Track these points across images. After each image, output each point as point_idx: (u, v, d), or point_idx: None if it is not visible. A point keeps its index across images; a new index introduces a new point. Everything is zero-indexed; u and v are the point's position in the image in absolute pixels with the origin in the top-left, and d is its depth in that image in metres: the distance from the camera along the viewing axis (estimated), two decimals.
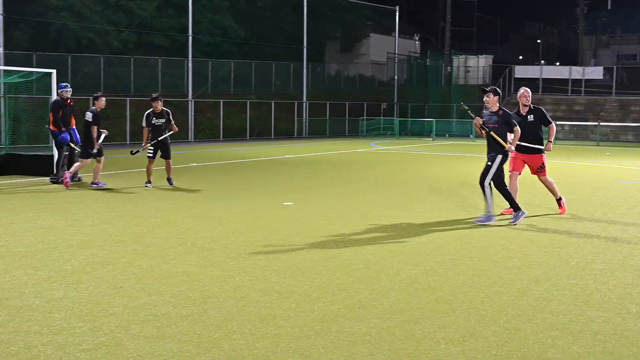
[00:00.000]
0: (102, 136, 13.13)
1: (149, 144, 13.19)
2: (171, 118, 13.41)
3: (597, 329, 4.96)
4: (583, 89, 43.54)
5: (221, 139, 33.85)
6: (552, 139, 10.40)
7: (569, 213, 10.31)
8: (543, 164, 10.14)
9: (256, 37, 39.40)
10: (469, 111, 10.10)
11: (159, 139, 13.15)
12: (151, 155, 13.17)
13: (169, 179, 13.35)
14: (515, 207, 9.44)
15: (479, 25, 68.07)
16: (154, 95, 13.52)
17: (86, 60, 32.72)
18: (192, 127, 32.83)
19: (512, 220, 9.38)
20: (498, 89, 9.60)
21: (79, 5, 34.03)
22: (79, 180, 13.73)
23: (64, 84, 13.86)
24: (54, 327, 4.81)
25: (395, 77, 46.91)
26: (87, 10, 34.35)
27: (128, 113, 29.38)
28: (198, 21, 35.86)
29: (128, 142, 28.81)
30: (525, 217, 9.49)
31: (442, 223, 9.38)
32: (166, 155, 13.31)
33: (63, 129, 13.41)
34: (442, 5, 60.47)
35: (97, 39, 34.58)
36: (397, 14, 46.26)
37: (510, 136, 9.39)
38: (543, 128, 10.37)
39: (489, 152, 9.42)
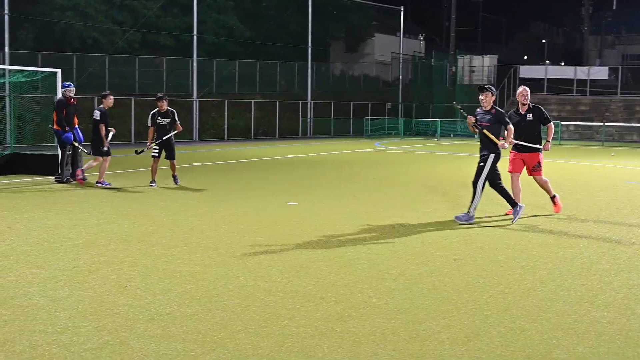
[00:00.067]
0: (110, 134, 13.20)
1: (154, 144, 13.24)
2: (176, 118, 13.47)
3: (602, 329, 4.95)
4: (588, 89, 43.45)
5: (226, 138, 33.89)
6: (550, 139, 10.37)
7: (573, 213, 10.30)
8: (539, 162, 10.11)
9: (261, 37, 39.40)
10: (462, 110, 10.24)
11: (164, 138, 13.21)
12: (156, 154, 13.22)
13: (174, 176, 13.43)
14: (512, 203, 9.52)
15: (483, 25, 68.05)
16: (159, 94, 13.55)
17: (91, 60, 32.76)
18: (197, 126, 32.88)
19: (512, 220, 9.43)
20: (494, 89, 9.65)
21: (84, 5, 34.08)
22: (84, 180, 13.75)
23: (67, 82, 13.88)
24: (59, 326, 4.82)
25: (400, 77, 46.89)
26: (92, 9, 34.41)
27: (133, 113, 29.45)
28: (203, 21, 35.91)
29: (133, 141, 28.88)
30: (522, 210, 9.56)
31: (446, 223, 9.37)
32: (171, 156, 13.36)
33: (67, 128, 13.44)
34: (447, 5, 60.36)
35: (102, 38, 34.64)
36: (402, 13, 46.19)
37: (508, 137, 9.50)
38: (543, 128, 10.36)
39: (481, 151, 9.47)
